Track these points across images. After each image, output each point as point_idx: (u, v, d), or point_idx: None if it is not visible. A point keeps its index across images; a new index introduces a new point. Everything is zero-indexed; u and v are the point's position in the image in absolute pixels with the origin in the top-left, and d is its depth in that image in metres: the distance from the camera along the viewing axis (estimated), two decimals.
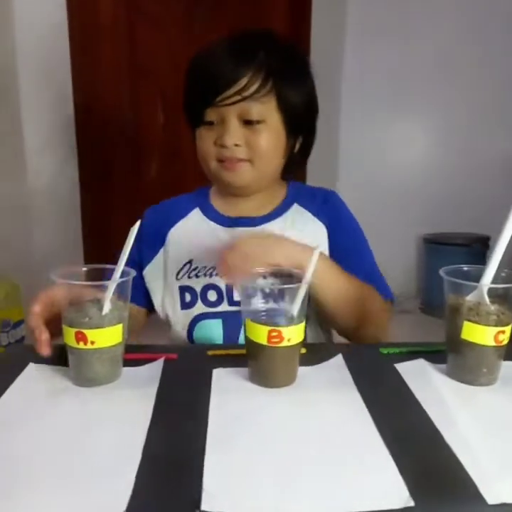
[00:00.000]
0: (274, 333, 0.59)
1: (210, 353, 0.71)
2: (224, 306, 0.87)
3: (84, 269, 0.67)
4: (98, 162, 2.39)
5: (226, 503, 0.41)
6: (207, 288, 0.88)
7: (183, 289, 0.89)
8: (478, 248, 2.54)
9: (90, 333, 0.60)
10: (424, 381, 0.62)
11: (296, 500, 0.41)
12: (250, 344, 0.61)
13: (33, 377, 0.63)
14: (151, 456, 0.47)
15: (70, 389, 0.61)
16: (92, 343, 0.60)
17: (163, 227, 0.94)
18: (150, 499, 0.41)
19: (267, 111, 0.83)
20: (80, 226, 2.34)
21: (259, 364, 0.61)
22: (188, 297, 0.89)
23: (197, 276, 0.89)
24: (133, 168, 2.42)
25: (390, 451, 0.47)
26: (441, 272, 0.64)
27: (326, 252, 0.88)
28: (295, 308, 0.61)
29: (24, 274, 1.95)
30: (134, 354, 0.68)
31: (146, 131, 2.37)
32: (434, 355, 0.68)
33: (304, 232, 0.88)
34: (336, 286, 0.78)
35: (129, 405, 0.56)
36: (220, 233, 0.90)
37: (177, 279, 0.90)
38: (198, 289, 0.88)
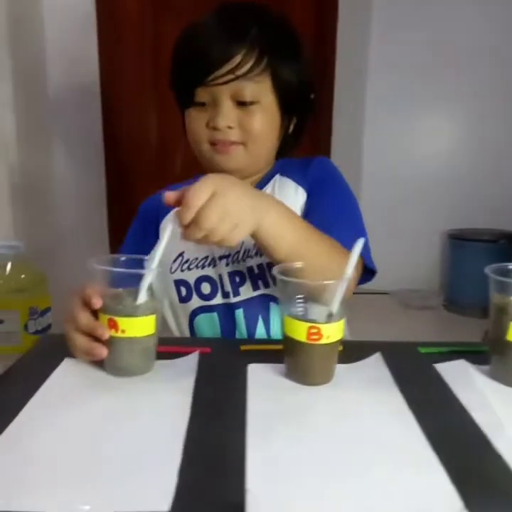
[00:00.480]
0: (313, 330, 0.57)
1: (243, 347, 0.70)
2: (218, 299, 0.85)
3: (123, 258, 0.66)
4: (124, 150, 2.39)
5: (272, 507, 0.40)
6: (200, 280, 0.85)
7: (178, 283, 0.87)
8: (505, 244, 2.49)
9: (121, 321, 0.59)
10: (467, 383, 0.60)
11: (343, 505, 0.40)
12: (288, 341, 0.60)
13: (70, 371, 0.63)
14: (192, 452, 0.46)
15: (107, 382, 0.60)
16: (123, 331, 0.59)
17: (156, 219, 0.92)
18: (194, 500, 0.41)
19: (261, 91, 0.79)
20: (105, 215, 2.34)
21: (297, 361, 0.60)
22: (183, 291, 0.87)
23: (189, 268, 0.86)
24: (158, 157, 2.41)
25: (438, 456, 0.46)
26: (487, 270, 0.62)
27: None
28: (335, 304, 0.59)
29: (49, 262, 1.96)
30: (167, 347, 0.68)
31: (171, 121, 2.36)
32: (476, 355, 0.66)
33: (284, 201, 0.80)
34: (289, 237, 0.66)
35: (167, 399, 0.56)
36: None
37: (171, 272, 0.87)
38: (192, 282, 0.86)
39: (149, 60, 2.30)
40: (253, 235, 0.65)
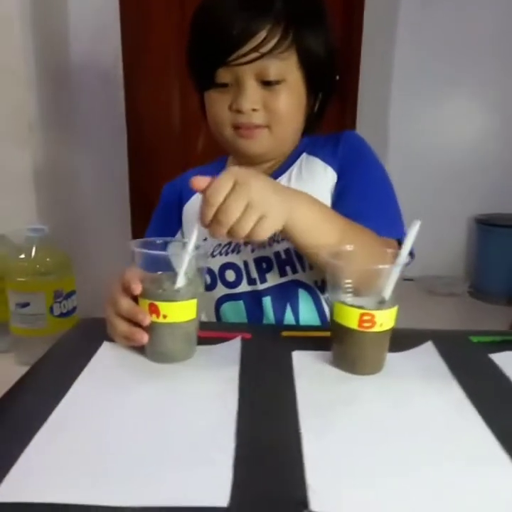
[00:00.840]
0: (366, 317, 0.55)
1: (284, 334, 0.68)
2: (244, 287, 0.82)
3: (159, 241, 0.64)
4: (147, 131, 2.37)
5: (335, 503, 0.37)
6: (224, 267, 0.82)
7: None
8: None
9: (163, 306, 0.57)
10: None
11: (410, 500, 0.38)
12: (338, 328, 0.57)
13: (110, 356, 0.61)
14: (244, 444, 0.44)
15: (148, 368, 0.58)
16: (164, 316, 0.57)
17: (179, 204, 0.89)
18: (252, 495, 0.38)
19: (287, 68, 0.73)
20: (128, 197, 2.33)
21: (347, 349, 0.57)
22: (208, 279, 0.84)
23: (213, 255, 0.83)
24: (181, 138, 2.39)
25: (508, 453, 0.43)
26: None
27: (329, 200, 0.79)
28: (387, 290, 0.56)
29: (74, 246, 1.96)
30: (206, 332, 0.65)
31: (194, 102, 2.33)
32: None
33: (311, 182, 0.79)
34: (324, 230, 0.63)
35: (213, 387, 0.53)
36: None
37: None
38: (216, 269, 0.83)
39: (174, 36, 2.26)
40: (284, 231, 0.61)
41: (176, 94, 2.35)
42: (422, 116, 2.61)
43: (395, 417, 0.49)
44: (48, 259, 1.79)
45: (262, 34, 0.70)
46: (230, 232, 0.55)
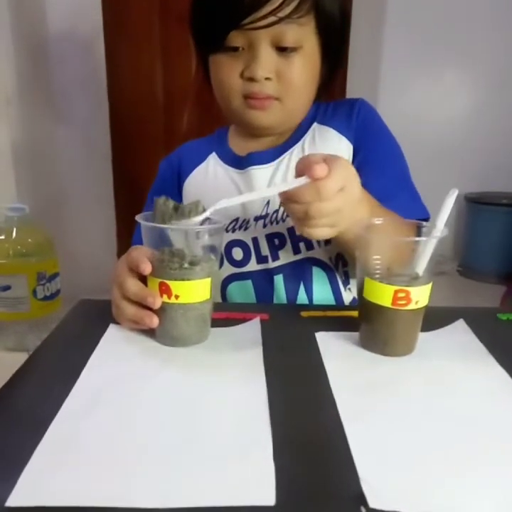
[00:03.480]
0: (401, 294, 0.50)
1: (304, 314, 0.63)
2: (252, 265, 0.77)
3: None
4: (129, 108, 2.27)
5: (394, 499, 0.33)
6: (231, 245, 0.77)
7: None
8: None
9: (175, 286, 0.52)
10: None
11: (472, 493, 0.34)
12: (368, 306, 0.53)
13: (119, 340, 0.56)
14: (282, 434, 0.40)
15: (162, 352, 0.53)
16: (177, 297, 0.52)
17: (179, 180, 0.83)
18: (299, 491, 0.34)
19: (304, 34, 0.68)
20: (111, 174, 2.23)
21: (378, 329, 0.53)
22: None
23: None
24: (165, 117, 2.29)
25: None
26: None
27: None
28: (421, 265, 0.52)
29: (56, 226, 1.88)
30: (220, 313, 0.61)
31: (179, 79, 2.24)
32: None
33: (326, 152, 0.76)
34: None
35: (237, 373, 0.49)
36: (236, 178, 0.78)
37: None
38: (222, 248, 0.78)
39: (157, 6, 2.15)
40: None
41: (160, 66, 2.25)
42: (411, 93, 2.56)
43: (439, 398, 0.45)
44: (29, 240, 1.71)
45: None
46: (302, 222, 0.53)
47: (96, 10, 2.08)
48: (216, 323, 0.58)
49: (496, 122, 2.54)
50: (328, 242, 0.74)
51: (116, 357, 0.51)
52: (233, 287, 0.78)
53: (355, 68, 2.26)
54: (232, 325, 0.59)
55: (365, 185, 0.67)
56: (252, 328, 0.58)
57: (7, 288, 1.69)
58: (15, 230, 1.68)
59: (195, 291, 0.53)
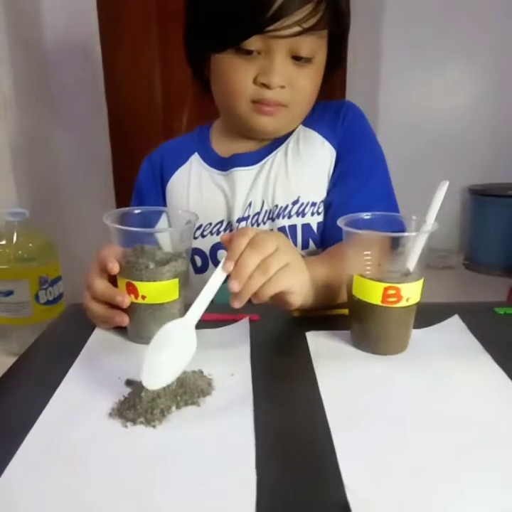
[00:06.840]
0: (391, 292, 0.49)
1: (295, 313, 0.62)
2: None
3: (137, 211, 0.58)
4: (128, 110, 2.26)
5: (380, 510, 0.32)
6: (216, 248, 0.76)
7: (192, 252, 0.77)
8: None
9: (141, 287, 0.52)
10: None
11: (465, 504, 0.32)
12: (358, 304, 0.51)
13: (103, 344, 0.55)
14: (266, 438, 0.38)
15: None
16: (144, 297, 0.52)
17: (162, 181, 0.82)
18: (282, 498, 0.33)
19: (319, 46, 0.69)
20: (111, 175, 2.23)
21: (369, 327, 0.51)
22: (198, 261, 0.78)
23: (203, 235, 0.77)
24: (163, 112, 2.28)
25: None
26: None
27: (325, 185, 0.75)
28: (412, 261, 0.51)
29: (57, 229, 1.87)
30: (208, 314, 0.59)
31: (176, 75, 2.22)
32: None
33: (308, 157, 0.75)
34: (314, 298, 0.58)
35: (222, 374, 0.48)
36: (219, 180, 0.78)
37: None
38: (207, 251, 0.77)
39: (154, 8, 2.14)
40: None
41: (157, 67, 2.24)
42: (413, 85, 2.53)
43: (431, 400, 0.43)
44: (30, 244, 1.71)
45: (308, 8, 0.64)
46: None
47: (92, 12, 2.08)
48: (205, 324, 0.57)
49: (499, 113, 2.51)
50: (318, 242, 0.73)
51: (100, 361, 0.50)
52: (220, 290, 0.77)
53: (355, 68, 2.23)
54: (222, 326, 0.58)
55: (347, 195, 0.66)
56: (241, 329, 0.56)
57: (10, 293, 1.69)
58: (15, 234, 1.68)
59: (161, 291, 0.53)
